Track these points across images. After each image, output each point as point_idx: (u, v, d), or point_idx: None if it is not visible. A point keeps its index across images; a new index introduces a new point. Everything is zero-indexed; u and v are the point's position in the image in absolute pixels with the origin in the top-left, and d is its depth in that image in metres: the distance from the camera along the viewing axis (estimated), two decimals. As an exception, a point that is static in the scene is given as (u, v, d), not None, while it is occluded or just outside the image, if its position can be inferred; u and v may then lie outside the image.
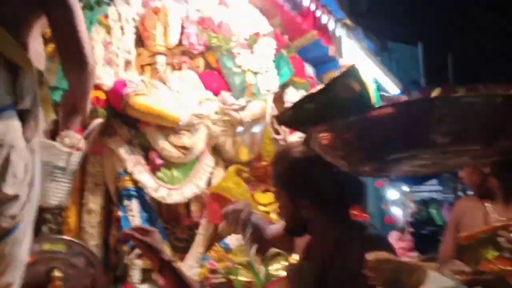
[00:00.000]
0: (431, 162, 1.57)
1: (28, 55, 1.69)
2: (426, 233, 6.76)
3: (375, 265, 1.61)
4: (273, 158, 1.97)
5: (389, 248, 1.81)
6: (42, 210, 2.64)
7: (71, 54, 1.81)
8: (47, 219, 2.87)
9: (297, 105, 1.59)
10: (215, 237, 3.10)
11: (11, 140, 1.61)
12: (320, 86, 1.74)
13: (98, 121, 2.65)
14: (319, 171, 1.83)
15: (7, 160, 1.59)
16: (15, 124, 1.63)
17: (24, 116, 1.68)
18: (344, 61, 3.28)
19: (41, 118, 1.76)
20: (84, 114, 1.96)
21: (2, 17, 1.66)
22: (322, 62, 3.54)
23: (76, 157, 2.41)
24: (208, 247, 3.06)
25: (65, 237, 2.77)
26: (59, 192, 2.41)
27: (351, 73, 1.53)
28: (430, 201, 8.86)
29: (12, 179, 1.57)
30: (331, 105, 1.51)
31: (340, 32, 3.34)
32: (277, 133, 3.38)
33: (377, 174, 1.77)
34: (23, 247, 1.66)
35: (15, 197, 1.62)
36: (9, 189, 1.58)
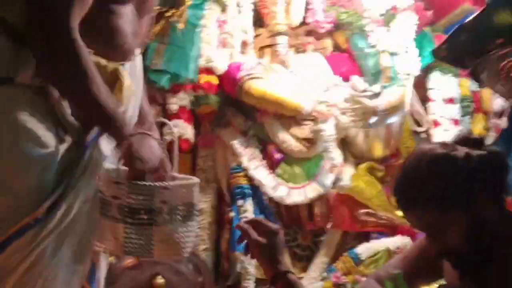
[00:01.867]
0: None
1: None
2: None
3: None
4: (411, 165, 1.80)
5: None
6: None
7: None
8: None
9: (451, 37, 1.93)
10: (343, 246, 3.04)
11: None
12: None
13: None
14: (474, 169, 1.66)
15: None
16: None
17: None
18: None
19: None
20: None
21: None
22: (476, 43, 3.33)
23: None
24: (335, 256, 2.99)
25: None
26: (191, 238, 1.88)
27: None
28: None
29: None
30: (487, 34, 1.77)
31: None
32: (419, 125, 3.35)
33: None
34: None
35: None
36: None
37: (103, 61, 1.57)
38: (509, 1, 1.80)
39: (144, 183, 1.56)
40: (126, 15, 1.65)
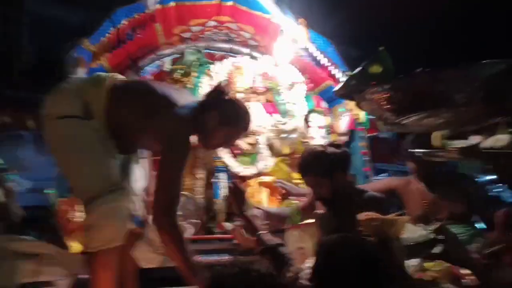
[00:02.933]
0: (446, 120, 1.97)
1: None
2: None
3: (366, 222, 1.87)
4: (305, 155, 2.46)
5: (380, 205, 2.23)
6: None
7: None
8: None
9: (345, 82, 2.18)
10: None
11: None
12: (359, 69, 2.12)
13: None
14: (335, 155, 2.40)
15: None
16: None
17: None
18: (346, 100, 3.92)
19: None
20: None
21: None
22: (333, 99, 4.64)
23: None
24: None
25: (184, 192, 3.49)
26: None
27: (376, 58, 2.02)
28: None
29: None
30: (366, 79, 1.98)
31: (344, 79, 3.50)
32: (305, 138, 4.41)
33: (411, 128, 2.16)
34: None
35: None
36: None
37: None
38: (376, 58, 1.98)
39: None
40: None
